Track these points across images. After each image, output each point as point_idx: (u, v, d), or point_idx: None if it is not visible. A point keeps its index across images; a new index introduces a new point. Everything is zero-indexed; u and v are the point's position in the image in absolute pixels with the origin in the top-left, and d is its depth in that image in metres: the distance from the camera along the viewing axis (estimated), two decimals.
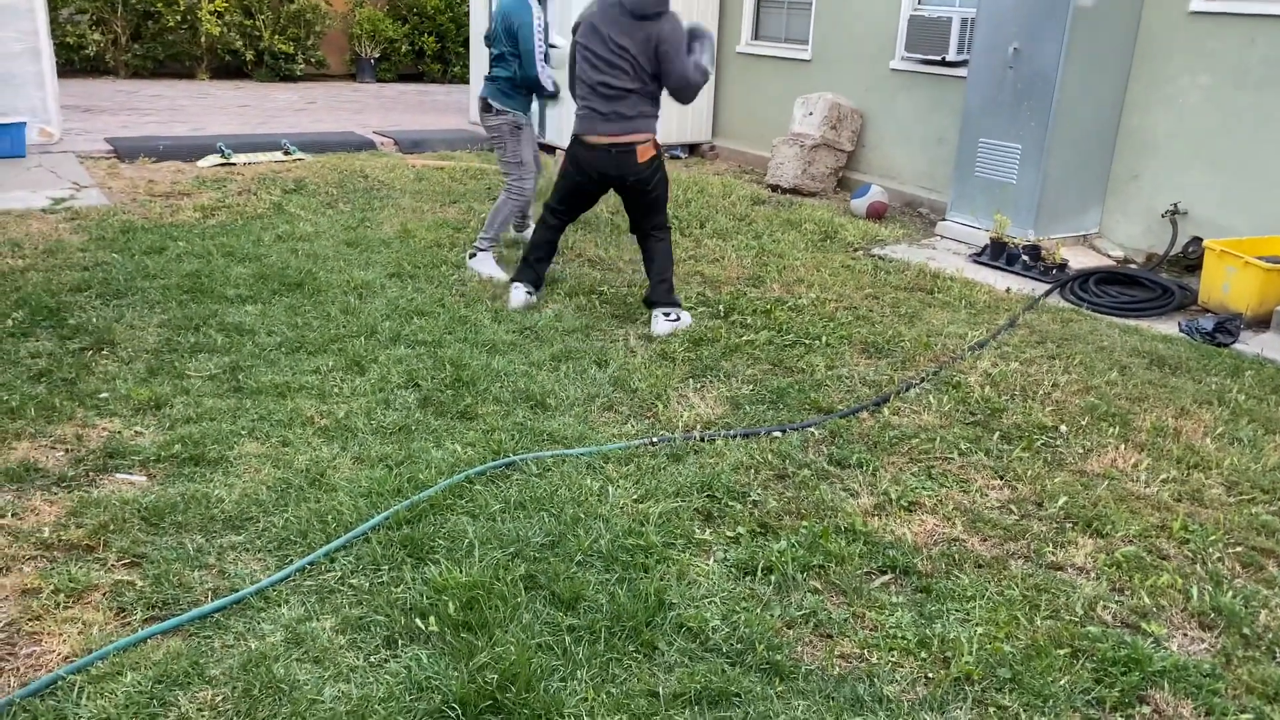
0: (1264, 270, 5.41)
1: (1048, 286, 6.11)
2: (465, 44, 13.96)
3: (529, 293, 5.21)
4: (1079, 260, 6.59)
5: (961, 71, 7.48)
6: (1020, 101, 6.69)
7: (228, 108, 11.50)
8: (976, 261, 6.68)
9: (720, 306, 5.37)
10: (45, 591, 2.69)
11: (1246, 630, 2.80)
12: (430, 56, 15.87)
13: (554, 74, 5.60)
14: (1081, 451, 3.87)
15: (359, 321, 4.82)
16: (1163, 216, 6.59)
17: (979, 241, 6.88)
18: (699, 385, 4.37)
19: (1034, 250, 6.48)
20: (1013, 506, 3.45)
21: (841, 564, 3.02)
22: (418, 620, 2.63)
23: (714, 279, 5.90)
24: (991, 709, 2.46)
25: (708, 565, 2.99)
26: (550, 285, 5.64)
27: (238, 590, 2.74)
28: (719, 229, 7.08)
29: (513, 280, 5.26)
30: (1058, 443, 3.94)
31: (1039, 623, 2.79)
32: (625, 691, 2.43)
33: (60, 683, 2.37)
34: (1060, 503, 3.45)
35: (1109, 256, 6.86)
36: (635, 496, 3.34)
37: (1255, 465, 3.81)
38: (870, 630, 2.74)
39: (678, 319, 4.97)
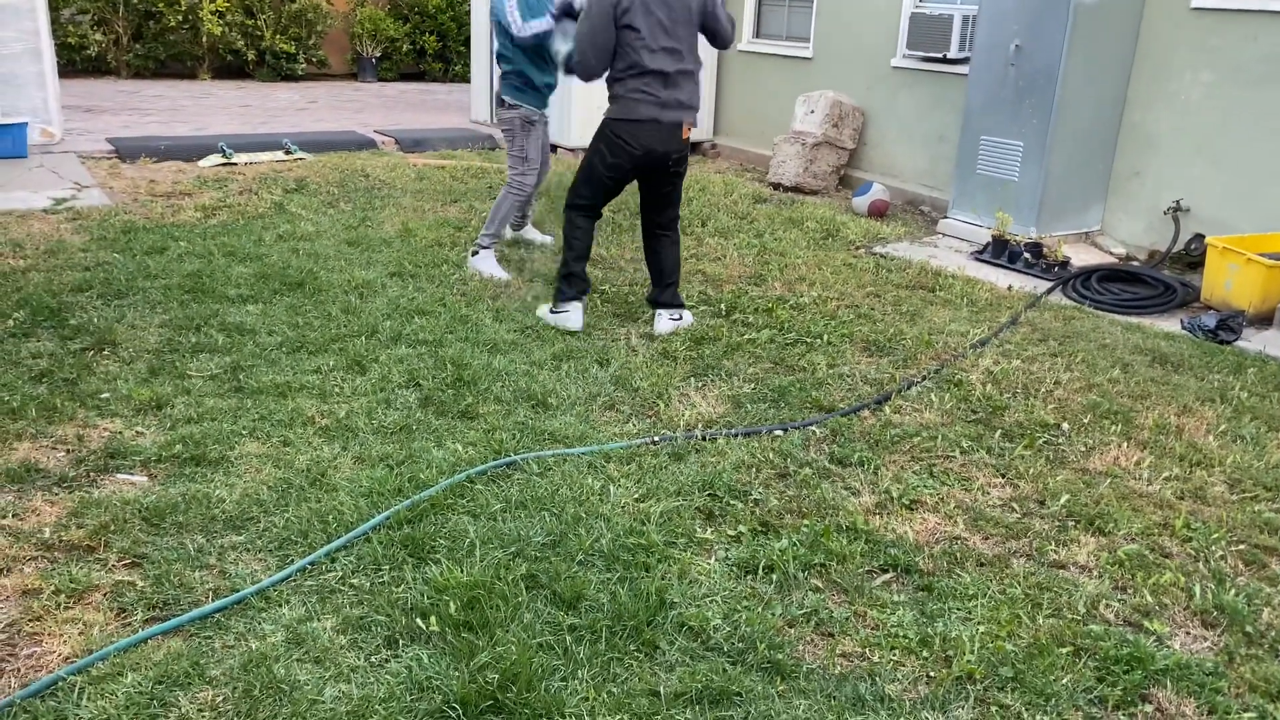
0: (1266, 267, 5.39)
1: (1050, 284, 6.10)
2: (466, 43, 13.95)
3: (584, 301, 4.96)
4: (1081, 258, 6.57)
5: (963, 69, 7.46)
6: (1022, 99, 6.68)
7: (229, 107, 11.50)
8: (978, 259, 6.66)
9: (722, 305, 5.36)
10: (46, 592, 2.69)
11: (1249, 628, 2.80)
12: (432, 55, 15.87)
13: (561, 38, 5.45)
14: (1084, 449, 3.87)
15: (360, 321, 4.82)
16: (1165, 214, 6.58)
17: (981, 239, 6.87)
18: (700, 384, 4.37)
19: (1036, 248, 6.47)
20: (1014, 505, 3.44)
21: (843, 562, 3.02)
22: (418, 620, 2.63)
23: (715, 277, 5.89)
24: (993, 708, 2.45)
25: (709, 564, 2.98)
26: (551, 284, 5.63)
27: (238, 590, 2.73)
28: (720, 227, 7.08)
29: (569, 299, 4.87)
30: (1060, 441, 3.93)
31: (1041, 621, 2.79)
32: (626, 691, 2.43)
33: (61, 683, 2.37)
34: (1062, 501, 3.44)
35: (1111, 254, 6.84)
36: (636, 495, 3.34)
37: (1258, 463, 3.80)
38: (872, 629, 2.73)
39: (680, 318, 4.97)
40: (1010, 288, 6.04)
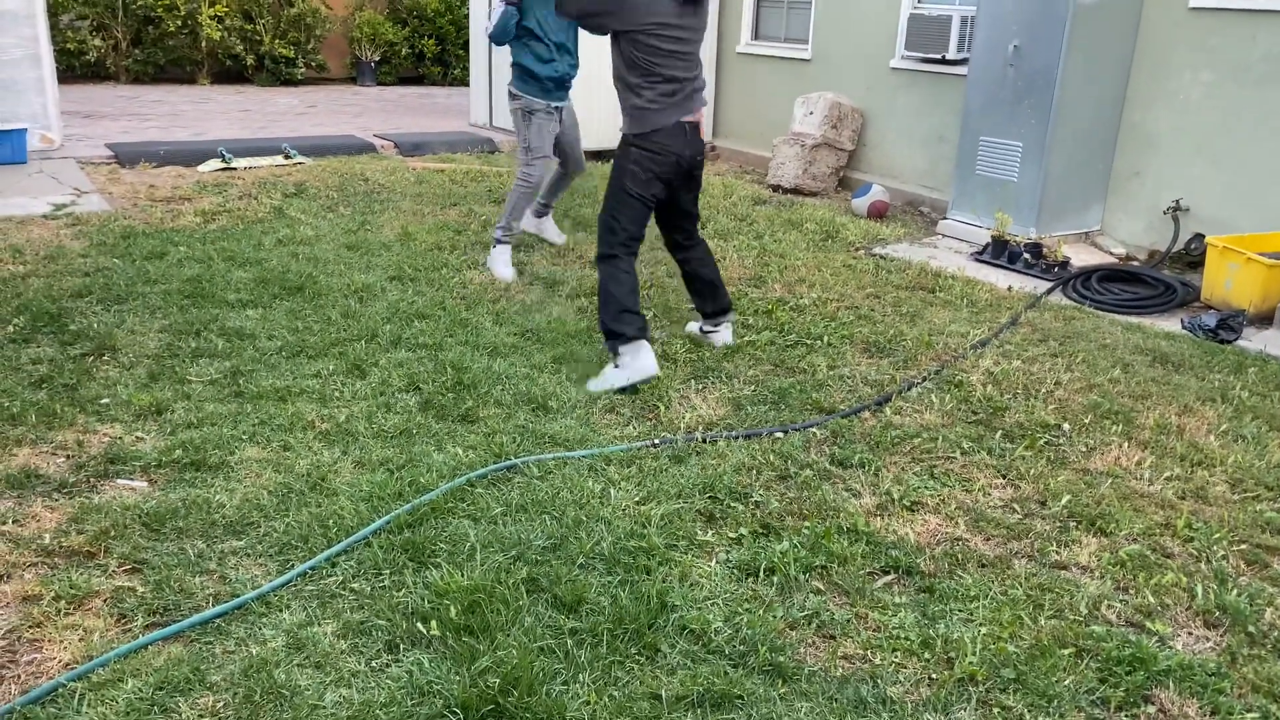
0: (1266, 267, 5.39)
1: (1049, 284, 6.10)
2: (465, 46, 13.96)
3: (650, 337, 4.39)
4: (1081, 258, 6.57)
5: (962, 70, 7.46)
6: (1021, 99, 6.68)
7: (228, 112, 11.51)
8: (978, 260, 6.66)
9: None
10: (46, 598, 2.69)
11: (1251, 628, 2.79)
12: (430, 59, 15.88)
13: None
14: (1084, 450, 3.86)
15: (360, 325, 4.82)
16: (1165, 213, 6.58)
17: (980, 240, 6.87)
18: (700, 386, 4.36)
19: (1035, 248, 6.46)
20: (1016, 505, 3.44)
21: (844, 564, 3.01)
22: (419, 624, 2.63)
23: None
24: (996, 710, 2.44)
25: (710, 567, 2.98)
26: (551, 287, 5.63)
27: (239, 596, 2.73)
28: (720, 229, 7.08)
29: (635, 338, 4.23)
30: (1060, 441, 3.93)
31: (1043, 622, 2.78)
32: (628, 694, 2.42)
33: (61, 690, 2.36)
34: (1064, 501, 3.44)
35: (1111, 254, 6.84)
36: (637, 498, 3.34)
37: (1259, 462, 3.79)
38: (873, 631, 2.73)
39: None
40: (1010, 288, 6.04)
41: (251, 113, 11.57)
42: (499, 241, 5.85)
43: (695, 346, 4.79)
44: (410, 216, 7.05)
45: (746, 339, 4.91)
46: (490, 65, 10.79)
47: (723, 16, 9.98)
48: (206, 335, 4.59)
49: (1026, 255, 6.44)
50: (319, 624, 2.64)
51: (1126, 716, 2.45)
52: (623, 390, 4.20)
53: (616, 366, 4.23)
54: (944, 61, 7.78)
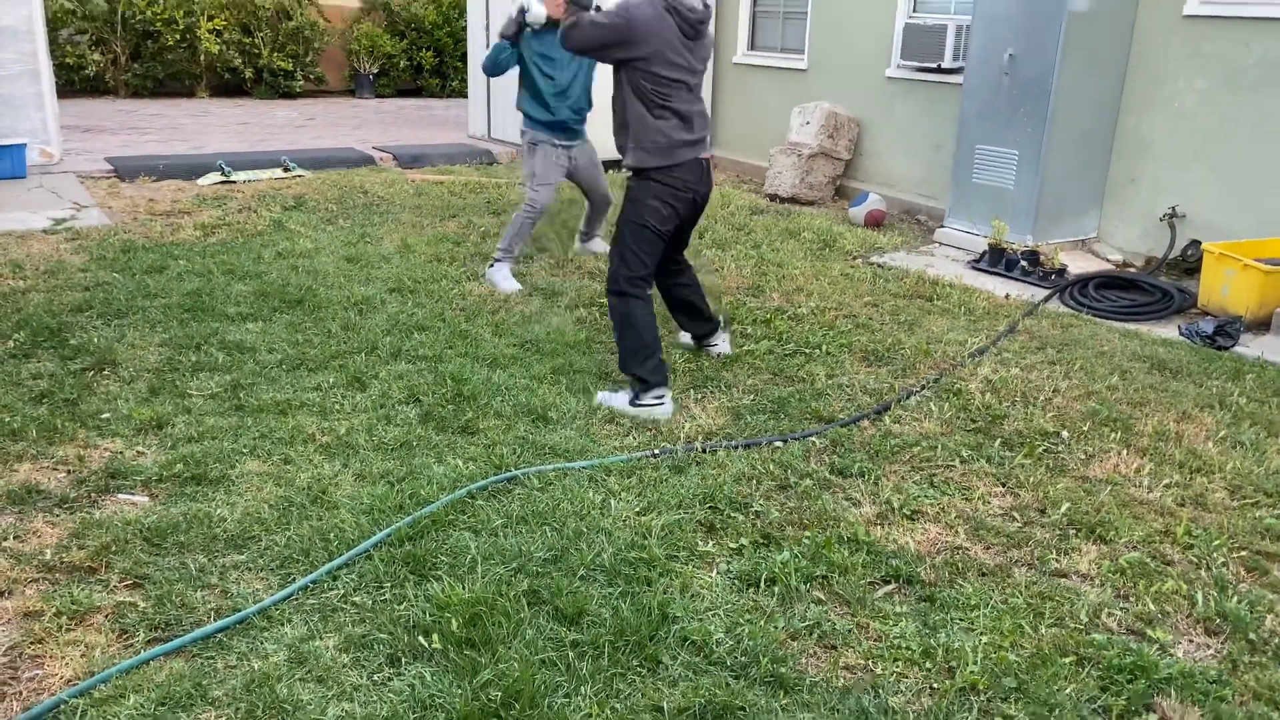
0: (1263, 272, 5.41)
1: (1047, 292, 6.11)
2: (463, 59, 14.02)
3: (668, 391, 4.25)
4: (1078, 265, 6.59)
5: (957, 78, 7.49)
6: (1016, 107, 6.70)
7: (227, 125, 11.54)
8: (975, 268, 6.68)
9: (720, 317, 5.36)
10: (47, 614, 2.69)
11: (1252, 635, 2.79)
12: (429, 71, 15.93)
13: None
14: (1083, 457, 3.87)
15: (359, 337, 4.83)
16: (1161, 220, 6.60)
17: (977, 248, 6.89)
18: (700, 396, 4.37)
19: (1033, 255, 6.48)
20: (1015, 514, 3.44)
21: (844, 574, 3.02)
22: (420, 638, 2.63)
23: (713, 289, 5.89)
24: (997, 719, 2.45)
25: (711, 577, 2.98)
26: (550, 298, 5.65)
27: (240, 610, 2.73)
28: (718, 239, 7.09)
29: (660, 385, 4.17)
30: (1059, 449, 3.94)
31: (1044, 631, 2.79)
32: (629, 706, 2.42)
33: (63, 706, 2.37)
34: (1063, 509, 3.44)
35: (1108, 260, 6.86)
36: (637, 509, 3.34)
37: (1258, 469, 3.80)
38: (874, 641, 2.73)
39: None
40: (1008, 296, 6.06)
41: (250, 126, 11.60)
42: (498, 260, 5.89)
43: (694, 356, 4.80)
44: (409, 229, 7.07)
45: (745, 348, 4.92)
46: (488, 77, 10.82)
47: (719, 27, 10.02)
48: (207, 349, 4.60)
49: (1024, 263, 6.46)
50: (321, 638, 2.65)
51: None
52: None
53: (634, 403, 4.15)
54: (940, 70, 7.81)
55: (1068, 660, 2.65)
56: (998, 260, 6.58)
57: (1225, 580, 3.06)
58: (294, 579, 2.89)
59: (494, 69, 5.79)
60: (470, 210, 7.72)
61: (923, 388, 4.49)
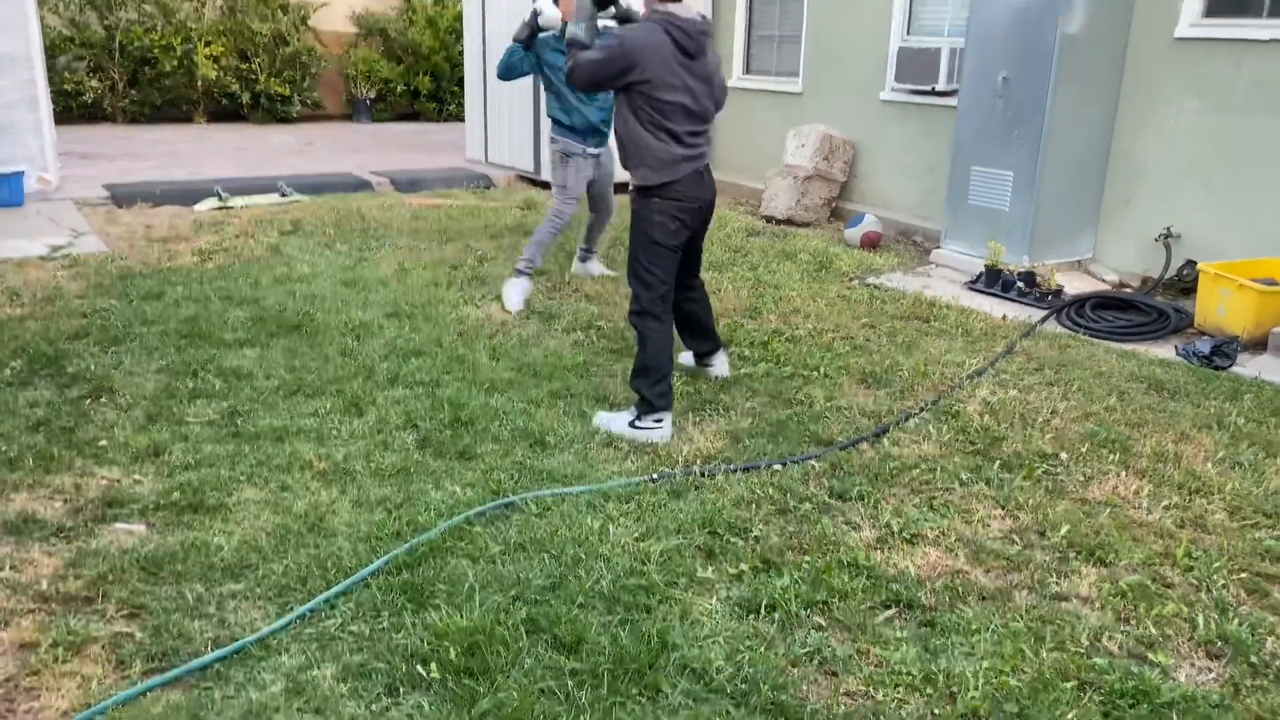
0: (1258, 293, 5.42)
1: (1044, 312, 6.12)
2: (460, 83, 14.09)
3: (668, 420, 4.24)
4: (1074, 285, 6.61)
5: (951, 101, 7.54)
6: (1011, 129, 6.74)
7: (225, 151, 11.58)
8: (972, 289, 6.70)
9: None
10: (44, 645, 2.67)
11: (1254, 659, 2.78)
12: (426, 96, 16.02)
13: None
14: (1082, 479, 3.86)
15: (356, 363, 4.83)
16: (1156, 240, 6.62)
17: (974, 269, 6.91)
18: (698, 419, 4.37)
19: (1029, 276, 6.50)
20: (1015, 536, 3.44)
21: (845, 599, 3.01)
22: (419, 667, 2.61)
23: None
24: None
25: (710, 604, 2.97)
26: (547, 321, 5.65)
27: (238, 639, 2.72)
28: (715, 261, 7.11)
29: (663, 410, 4.18)
30: (1058, 471, 3.93)
31: (1045, 655, 2.77)
32: None
33: None
34: (1063, 532, 3.43)
35: (1104, 281, 6.88)
36: (636, 535, 3.33)
37: (1257, 489, 3.79)
38: (875, 666, 2.72)
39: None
40: (1005, 317, 6.07)
41: (248, 151, 11.64)
42: (519, 272, 5.97)
43: (692, 379, 4.80)
44: (407, 253, 7.08)
45: (743, 371, 4.92)
46: (485, 101, 10.89)
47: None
48: (204, 375, 4.60)
49: (1020, 284, 6.48)
50: (318, 667, 2.63)
51: None
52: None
53: (635, 425, 4.15)
54: (934, 93, 7.86)
55: (1069, 685, 2.64)
56: (994, 281, 6.60)
57: (1226, 603, 3.05)
58: (291, 608, 2.87)
59: (507, 73, 5.86)
60: (467, 234, 7.74)
61: (921, 410, 4.49)
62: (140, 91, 13.87)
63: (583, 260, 6.72)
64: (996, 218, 6.92)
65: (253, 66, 14.30)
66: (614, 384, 4.72)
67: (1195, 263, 6.17)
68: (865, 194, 8.78)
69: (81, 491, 3.52)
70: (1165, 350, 5.52)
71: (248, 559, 3.12)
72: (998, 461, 3.99)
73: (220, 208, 8.37)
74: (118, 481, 3.61)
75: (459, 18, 14.40)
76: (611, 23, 4.55)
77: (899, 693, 2.61)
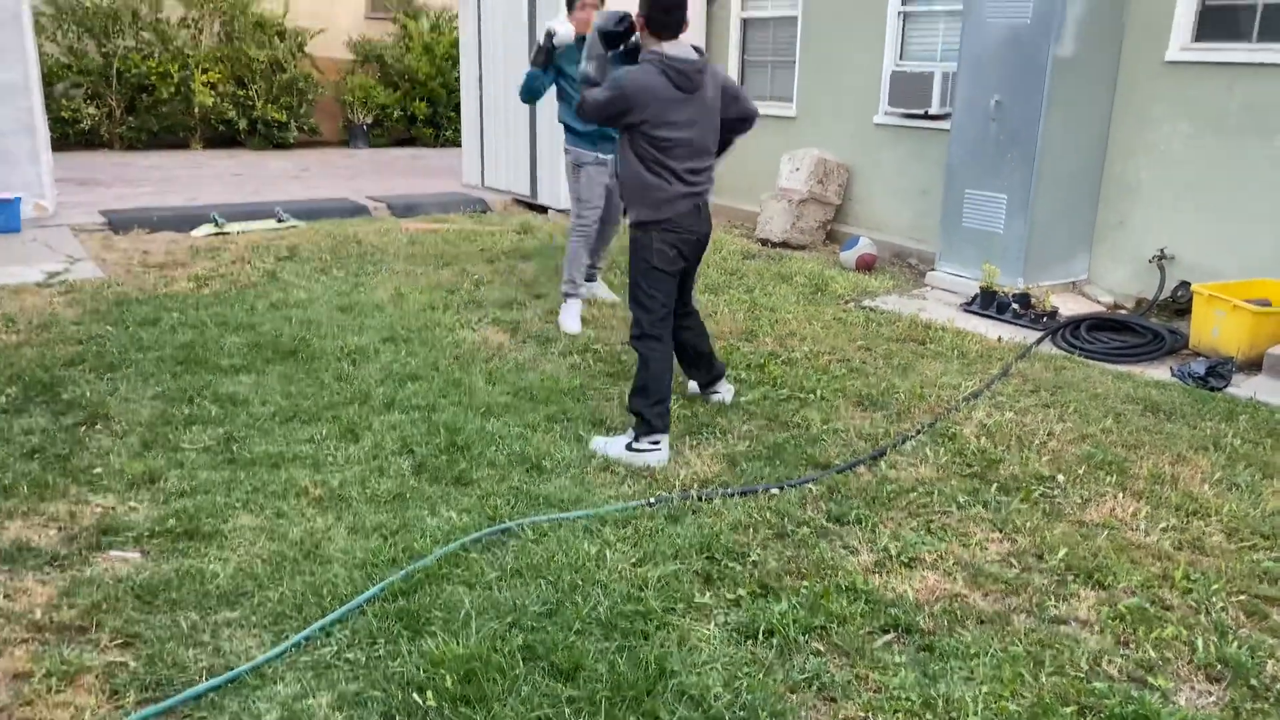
0: (1253, 314, 5.44)
1: (1039, 334, 6.14)
2: (456, 109, 14.17)
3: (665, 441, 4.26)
4: (1069, 307, 6.63)
5: (944, 124, 7.59)
6: (1004, 152, 6.78)
7: (221, 177, 11.61)
8: (967, 311, 6.71)
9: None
10: (37, 675, 2.65)
11: (1254, 682, 2.77)
12: (422, 121, 16.09)
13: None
14: (1080, 501, 3.86)
15: (353, 388, 4.82)
16: (1150, 262, 6.65)
17: (969, 291, 6.93)
18: (695, 442, 4.36)
19: (1024, 298, 6.52)
20: (1013, 560, 3.43)
21: (843, 624, 2.99)
22: (415, 695, 2.60)
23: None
24: None
25: (708, 630, 2.96)
26: (543, 344, 5.66)
27: (233, 668, 2.70)
28: (710, 284, 7.13)
29: (661, 432, 4.21)
30: (1055, 493, 3.93)
31: (1044, 680, 2.76)
32: None
33: None
34: (1061, 554, 3.43)
35: (1099, 302, 6.90)
36: (634, 560, 3.32)
37: (1254, 511, 3.79)
38: (874, 692, 2.70)
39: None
40: (1000, 339, 6.08)
41: (244, 177, 11.68)
42: (567, 296, 6.02)
43: (689, 402, 4.80)
44: (403, 277, 7.09)
45: (739, 394, 4.91)
46: (481, 126, 10.94)
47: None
48: (200, 402, 4.59)
49: (1015, 305, 6.50)
50: (314, 696, 2.61)
51: None
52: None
53: (632, 447, 4.17)
54: (927, 117, 7.91)
55: (1069, 710, 2.63)
56: (989, 303, 6.62)
57: (1225, 625, 3.04)
58: (287, 636, 2.86)
59: (530, 96, 5.92)
60: (464, 258, 7.76)
61: (918, 432, 4.49)
62: (137, 118, 13.92)
63: (588, 279, 6.71)
64: (991, 240, 6.95)
65: (250, 93, 14.36)
66: (611, 407, 4.72)
67: (1189, 284, 6.19)
68: (860, 217, 8.82)
69: (76, 519, 3.50)
70: (1161, 371, 5.53)
71: (243, 586, 3.10)
72: (995, 484, 3.98)
73: (217, 233, 8.39)
74: (112, 509, 3.59)
75: (455, 44, 14.52)
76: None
77: (898, 718, 2.59)
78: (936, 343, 5.92)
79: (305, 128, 15.08)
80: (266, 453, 4.07)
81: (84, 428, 4.28)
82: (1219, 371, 5.27)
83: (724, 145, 4.50)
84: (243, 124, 14.41)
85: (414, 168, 13.17)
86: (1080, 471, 4.11)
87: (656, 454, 4.14)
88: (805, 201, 8.63)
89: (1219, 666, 2.84)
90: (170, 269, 7.14)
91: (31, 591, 3.05)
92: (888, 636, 2.97)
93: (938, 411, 4.76)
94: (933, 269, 7.48)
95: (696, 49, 4.20)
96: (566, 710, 2.55)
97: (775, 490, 3.88)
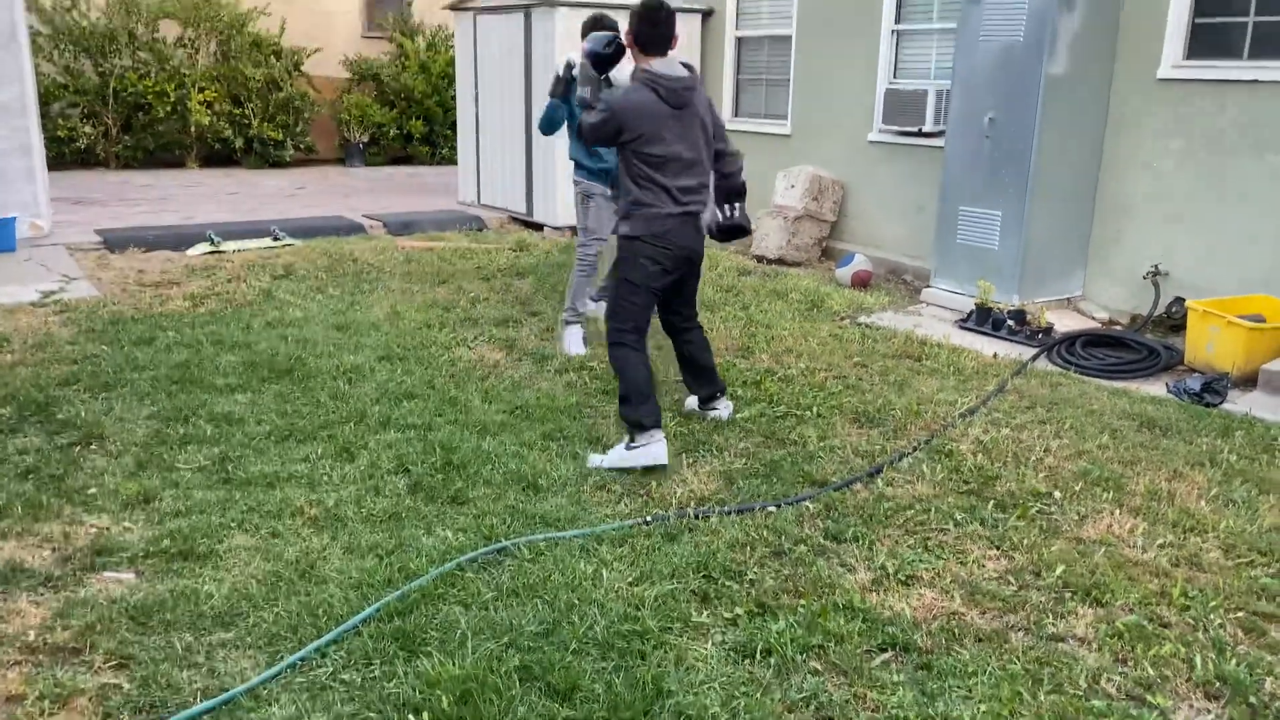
0: (1247, 330, 5.46)
1: (1035, 350, 6.15)
2: (452, 127, 14.19)
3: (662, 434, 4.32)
4: (1064, 323, 6.64)
5: (939, 141, 7.62)
6: (998, 169, 6.81)
7: (217, 195, 11.63)
8: (963, 327, 6.72)
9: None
10: (30, 698, 2.63)
11: (1253, 699, 2.76)
12: (419, 139, 16.13)
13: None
14: (1077, 518, 3.86)
15: (348, 407, 4.81)
16: (1144, 278, 6.67)
17: (964, 307, 6.94)
18: (691, 460, 4.36)
19: (1019, 315, 6.53)
20: (1010, 577, 3.42)
21: (841, 643, 2.98)
22: (411, 716, 2.58)
23: None
24: None
25: (706, 649, 2.94)
26: (539, 362, 5.65)
27: (227, 690, 2.68)
28: (706, 300, 7.13)
29: (651, 428, 4.23)
30: (1052, 510, 3.93)
31: (1043, 697, 2.75)
32: None
33: None
34: (1058, 572, 3.42)
35: (1093, 319, 6.92)
36: (630, 579, 3.31)
37: (1251, 527, 3.79)
38: (872, 711, 2.69)
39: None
40: (996, 355, 6.09)
41: (240, 195, 11.69)
42: (568, 323, 6.01)
43: (685, 420, 4.79)
44: (399, 296, 7.10)
45: (736, 411, 4.91)
46: (478, 144, 10.97)
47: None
48: (195, 421, 4.58)
49: (1010, 322, 6.51)
50: (309, 717, 2.59)
51: None
52: (622, 470, 4.20)
53: (629, 448, 4.22)
54: (921, 134, 7.95)
55: None
56: (985, 319, 6.63)
57: (1223, 642, 3.03)
58: (282, 656, 2.84)
59: (549, 127, 5.93)
60: (460, 276, 7.76)
61: (914, 449, 4.49)
62: (133, 137, 13.94)
63: (596, 300, 6.70)
64: (986, 256, 6.97)
65: (246, 112, 14.40)
66: (607, 425, 4.72)
67: (1184, 300, 6.21)
68: (855, 233, 8.85)
69: (70, 540, 3.49)
70: (1156, 388, 5.54)
71: (238, 607, 3.09)
72: (992, 501, 3.98)
73: (212, 252, 8.39)
74: (107, 529, 3.58)
75: (451, 63, 14.55)
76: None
77: None
78: (932, 359, 5.92)
79: (301, 146, 15.12)
80: (262, 472, 4.06)
81: (78, 448, 4.27)
82: (1214, 387, 5.28)
83: (732, 193, 4.72)
84: (239, 143, 14.45)
85: (410, 186, 13.20)
86: (1077, 488, 4.11)
87: (655, 447, 4.19)
88: (801, 218, 8.66)
89: (1217, 684, 2.83)
90: (165, 288, 7.14)
91: (25, 613, 3.04)
92: (885, 655, 2.96)
93: (934, 428, 4.76)
94: (928, 285, 7.50)
95: (687, 66, 4.25)
96: None
97: (772, 508, 3.87)
